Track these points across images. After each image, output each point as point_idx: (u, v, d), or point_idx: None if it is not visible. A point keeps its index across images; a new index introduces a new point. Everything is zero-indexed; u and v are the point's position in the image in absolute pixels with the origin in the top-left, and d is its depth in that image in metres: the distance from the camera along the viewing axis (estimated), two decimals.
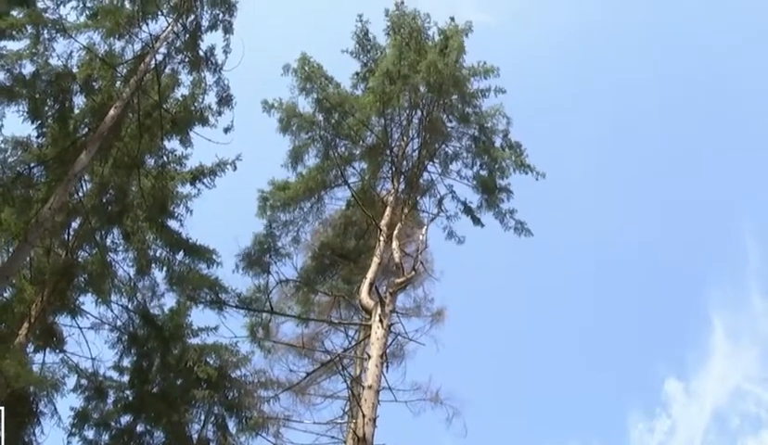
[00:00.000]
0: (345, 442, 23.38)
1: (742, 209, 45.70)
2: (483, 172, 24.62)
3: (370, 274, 19.56)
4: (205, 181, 22.69)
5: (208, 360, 23.98)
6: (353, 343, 25.31)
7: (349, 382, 24.73)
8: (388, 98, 22.48)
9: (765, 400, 40.20)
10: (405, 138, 23.79)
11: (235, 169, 22.42)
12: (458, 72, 23.46)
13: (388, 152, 23.14)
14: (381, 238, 20.46)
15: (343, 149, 23.79)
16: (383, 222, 20.94)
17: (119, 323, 23.07)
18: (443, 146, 24.60)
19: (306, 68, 23.15)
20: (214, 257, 22.34)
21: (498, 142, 24.65)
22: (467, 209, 24.81)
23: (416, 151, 23.99)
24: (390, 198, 22.24)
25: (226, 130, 21.73)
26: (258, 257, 21.67)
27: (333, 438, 24.00)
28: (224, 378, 24.30)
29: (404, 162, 23.54)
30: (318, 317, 20.75)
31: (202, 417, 24.49)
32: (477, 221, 24.85)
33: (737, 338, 42.61)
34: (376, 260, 20.06)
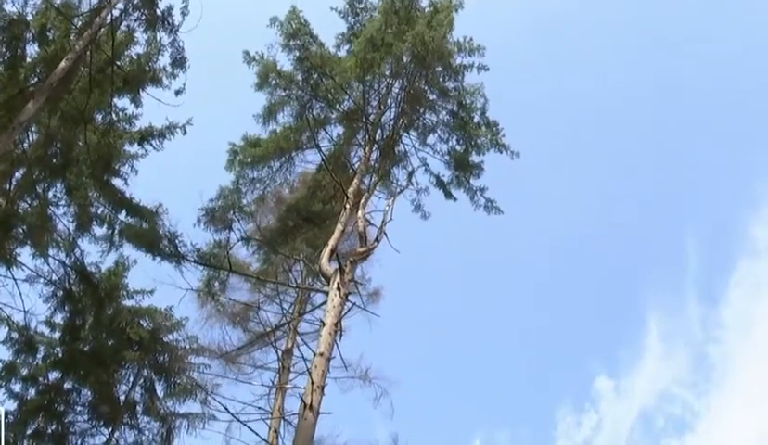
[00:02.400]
0: (271, 414, 23.57)
1: (688, 216, 45.97)
2: (458, 148, 24.48)
3: (332, 241, 19.41)
4: (153, 142, 22.40)
5: (141, 322, 23.90)
6: (288, 316, 25.41)
7: (280, 354, 24.87)
8: (369, 65, 22.19)
9: (691, 403, 41.37)
10: (383, 107, 23.55)
11: (185, 133, 22.18)
12: (444, 47, 23.21)
13: (363, 119, 22.91)
14: (348, 206, 20.31)
15: (319, 112, 23.54)
16: (351, 190, 20.78)
17: (54, 277, 22.94)
18: (421, 118, 24.39)
19: (293, 23, 22.82)
20: (157, 219, 22.13)
21: (476, 119, 24.44)
22: (440, 183, 24.73)
23: (392, 121, 23.76)
24: (361, 166, 22.07)
25: (178, 92, 21.32)
26: (221, 212, 21.50)
27: (260, 408, 24.18)
28: (155, 342, 24.33)
29: (379, 131, 23.33)
30: (275, 280, 20.44)
31: (131, 379, 24.49)
32: (449, 195, 24.80)
33: (670, 342, 43.24)
34: (340, 227, 19.92)
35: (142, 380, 25.10)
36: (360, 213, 20.08)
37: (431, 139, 24.61)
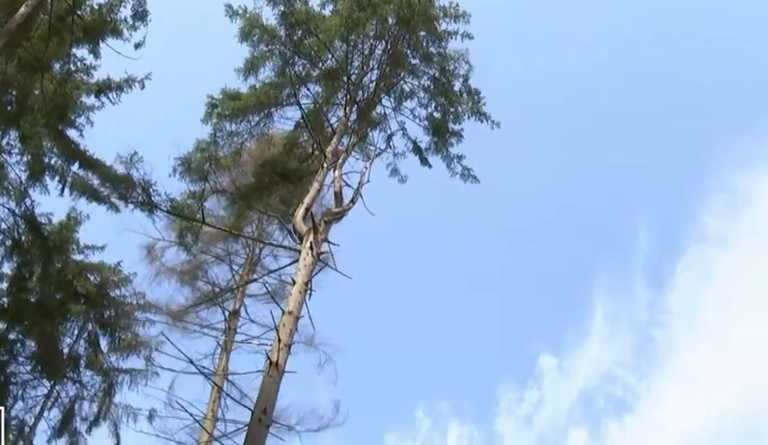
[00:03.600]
0: (215, 374, 23.43)
1: (641, 202, 46.24)
2: (437, 114, 24.22)
3: (308, 200, 19.13)
4: (111, 95, 21.97)
5: (89, 276, 23.62)
6: (237, 277, 25.21)
7: (227, 315, 24.68)
8: (354, 24, 21.78)
9: (632, 385, 41.48)
10: (365, 68, 23.17)
11: (143, 87, 21.92)
12: (430, 11, 22.85)
13: (345, 79, 22.52)
14: (325, 165, 19.99)
15: (301, 69, 23.12)
16: (329, 149, 20.45)
17: (3, 226, 22.65)
18: (402, 81, 24.07)
19: None
20: (110, 173, 21.73)
21: (457, 86, 24.14)
22: (417, 149, 24.50)
23: (374, 83, 23.41)
24: (341, 126, 21.74)
25: (137, 46, 21.06)
26: (197, 164, 21.11)
27: (204, 367, 24.06)
28: (102, 296, 24.17)
29: (360, 92, 22.98)
30: (247, 235, 20.13)
31: (76, 332, 24.27)
32: (425, 161, 24.58)
33: (615, 324, 43.62)
34: (316, 185, 19.63)
35: (86, 334, 24.98)
36: (337, 173, 19.81)
37: (411, 104, 24.36)
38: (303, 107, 22.57)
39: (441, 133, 24.12)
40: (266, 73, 23.10)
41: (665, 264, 44.71)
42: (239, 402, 20.65)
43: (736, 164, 43.89)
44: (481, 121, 23.81)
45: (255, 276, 17.76)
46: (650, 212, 43.30)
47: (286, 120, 23.58)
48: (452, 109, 24.14)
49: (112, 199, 21.72)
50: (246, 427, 15.27)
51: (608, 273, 44.41)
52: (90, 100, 22.33)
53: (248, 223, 24.59)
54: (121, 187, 18.51)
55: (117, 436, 25.09)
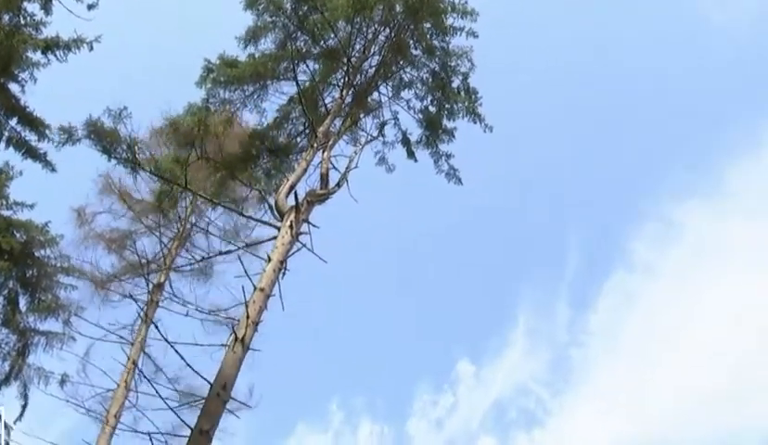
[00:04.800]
0: (132, 344, 23.00)
1: (575, 222, 46.42)
2: (432, 108, 23.73)
3: (293, 178, 18.68)
4: (58, 53, 21.34)
5: (15, 233, 23.09)
6: (165, 250, 24.77)
7: (151, 287, 24.22)
8: (361, 6, 21.21)
9: (545, 401, 41.88)
10: (366, 52, 22.64)
11: (91, 49, 21.32)
12: (438, 3, 22.34)
13: (345, 61, 22.00)
14: (315, 145, 19.50)
15: (302, 44, 22.50)
16: (321, 130, 19.95)
17: None
18: (401, 71, 23.55)
19: None
20: (47, 132, 21.13)
21: (456, 83, 23.64)
22: (405, 140, 24.03)
23: (373, 69, 22.91)
24: (335, 108, 21.20)
25: (90, 6, 20.56)
26: (187, 128, 20.48)
27: (121, 338, 23.65)
28: (26, 255, 23.63)
29: (358, 76, 22.46)
30: (226, 205, 19.55)
31: None
32: (411, 154, 24.10)
33: (536, 339, 43.90)
34: (303, 164, 19.16)
35: (6, 291, 24.36)
36: (326, 155, 19.27)
37: (407, 95, 23.84)
38: (300, 83, 21.93)
39: (434, 129, 23.65)
40: (266, 45, 22.57)
41: (590, 286, 45.25)
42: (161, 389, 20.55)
43: (670, 195, 44.20)
44: (475, 122, 23.34)
45: (232, 247, 17.12)
46: (582, 233, 43.57)
47: (281, 95, 23.03)
48: (447, 106, 23.64)
49: (47, 158, 21.25)
50: (202, 401, 14.74)
51: (535, 288, 44.55)
52: (36, 56, 21.78)
53: (182, 198, 24.19)
54: (106, 141, 17.84)
55: (26, 397, 24.52)
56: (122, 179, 25.54)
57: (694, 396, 38.21)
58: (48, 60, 21.45)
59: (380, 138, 23.26)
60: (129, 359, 23.14)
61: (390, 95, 23.67)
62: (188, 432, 13.80)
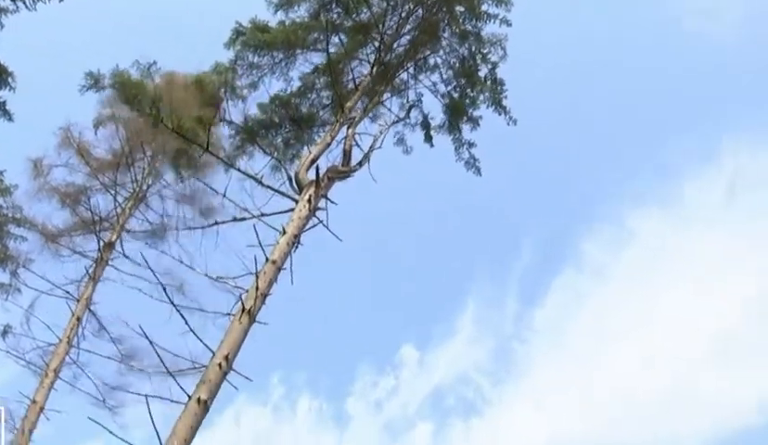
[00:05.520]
0: (78, 300, 22.56)
1: (531, 217, 46.18)
2: (455, 95, 23.12)
3: (316, 151, 18.13)
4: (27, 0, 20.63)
5: None
6: (119, 209, 24.31)
7: (101, 245, 23.75)
8: None
9: (484, 391, 41.74)
10: (399, 30, 21.99)
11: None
12: None
13: (377, 37, 21.35)
14: (340, 120, 18.92)
15: (335, 16, 21.82)
16: (348, 105, 19.37)
17: None
18: (430, 53, 22.92)
19: None
20: (10, 80, 20.49)
21: (484, 72, 23.01)
22: (426, 124, 23.40)
23: (403, 48, 22.29)
24: (364, 84, 20.57)
25: None
26: (211, 87, 19.85)
27: (67, 293, 23.30)
28: None
29: (389, 55, 21.82)
30: (242, 170, 18.90)
31: None
32: (429, 138, 23.49)
33: (482, 330, 43.52)
34: (327, 139, 18.61)
35: None
36: (350, 132, 18.75)
37: (435, 78, 23.23)
38: (330, 54, 21.23)
39: (458, 115, 23.02)
40: (299, 13, 21.88)
41: (540, 283, 44.83)
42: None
43: (628, 200, 43.85)
44: (499, 114, 22.77)
45: (247, 215, 16.54)
46: (537, 231, 43.23)
47: (309, 65, 22.35)
48: (471, 93, 23.03)
49: (6, 108, 20.60)
50: (202, 369, 14.22)
51: (486, 279, 44.28)
52: (5, 2, 21.09)
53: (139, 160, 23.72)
54: (131, 93, 17.21)
55: None
56: (82, 134, 25.27)
57: (634, 399, 38.43)
58: (17, 7, 20.67)
59: (407, 120, 22.65)
60: (73, 315, 22.81)
61: (417, 76, 23.11)
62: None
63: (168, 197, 25.79)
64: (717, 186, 43.35)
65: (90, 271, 23.61)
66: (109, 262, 24.16)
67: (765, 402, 35.44)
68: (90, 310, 23.34)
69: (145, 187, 25.84)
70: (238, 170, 18.01)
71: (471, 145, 23.12)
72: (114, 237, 24.46)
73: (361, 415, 41.94)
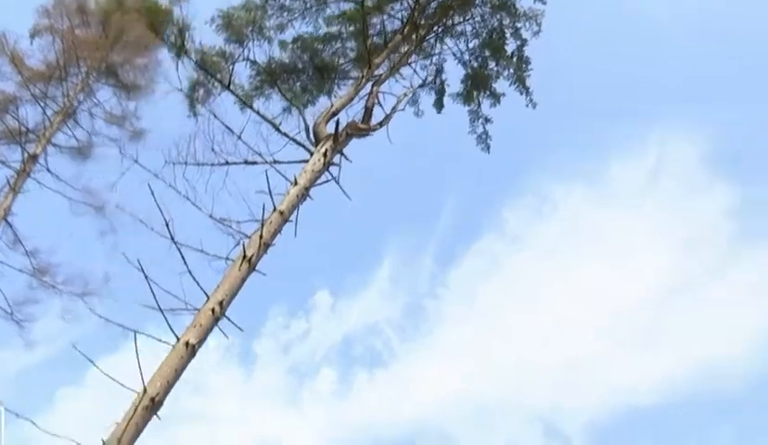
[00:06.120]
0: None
1: (457, 180, 45.82)
2: (475, 64, 22.31)
3: (338, 104, 17.39)
4: None
5: None
6: (47, 123, 23.77)
7: (26, 157, 23.11)
8: None
9: (392, 344, 41.64)
10: None
11: None
12: None
13: None
14: (365, 75, 18.14)
15: None
16: (377, 60, 18.57)
17: None
18: (462, 22, 22.07)
19: None
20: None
21: (511, 48, 22.18)
22: (440, 90, 22.65)
23: (435, 10, 21.39)
24: (396, 42, 19.72)
25: None
26: (239, 24, 18.98)
27: None
28: None
29: (422, 15, 20.97)
30: (258, 112, 18.11)
31: None
32: (440, 105, 22.75)
33: (396, 285, 43.35)
34: (351, 93, 17.87)
35: None
36: (375, 89, 17.98)
37: (460, 46, 22.38)
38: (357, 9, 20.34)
39: (482, 87, 22.24)
40: None
41: (458, 245, 44.39)
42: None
43: (553, 174, 42.69)
44: (521, 93, 22.04)
45: (259, 160, 15.81)
46: (461, 194, 42.85)
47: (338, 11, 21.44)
48: (495, 68, 22.24)
49: None
50: (185, 310, 13.60)
51: (405, 236, 44.11)
52: None
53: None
54: (156, 19, 16.40)
55: None
56: (17, 42, 24.39)
57: (535, 366, 38.36)
58: None
59: (434, 84, 21.84)
60: None
61: (443, 40, 22.25)
62: None
63: (98, 116, 25.36)
64: (640, 170, 42.76)
65: (11, 181, 22.97)
66: (31, 175, 23.52)
67: (662, 383, 35.89)
68: (6, 221, 22.81)
69: (76, 103, 25.16)
70: (257, 112, 17.27)
71: (488, 120, 22.40)
72: (39, 150, 23.72)
73: (268, 355, 41.35)
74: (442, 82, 22.63)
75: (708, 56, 42.19)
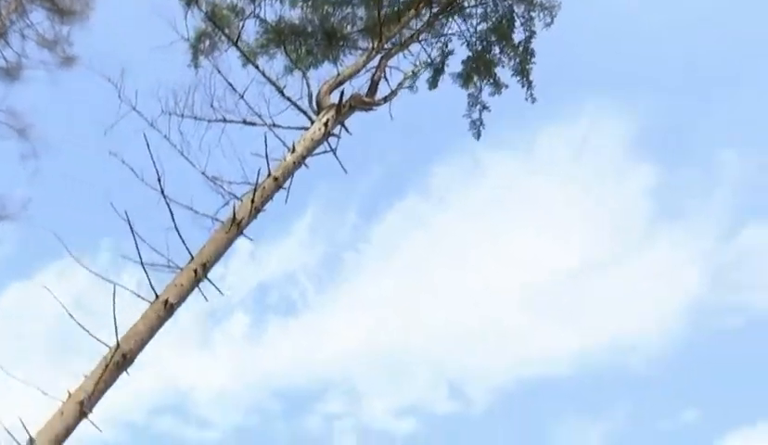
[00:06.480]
0: None
1: (385, 138, 46.11)
2: (479, 47, 21.63)
3: (345, 74, 16.87)
4: None
5: None
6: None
7: None
8: None
9: (308, 294, 41.38)
10: None
11: None
12: None
13: None
14: (375, 47, 17.57)
15: None
16: (388, 33, 17.99)
17: None
18: (476, 3, 21.43)
19: None
20: None
21: (519, 37, 21.56)
22: (438, 70, 21.69)
23: None
24: (410, 16, 19.07)
25: None
26: None
27: None
28: None
29: None
30: (262, 71, 17.51)
31: None
32: (435, 83, 21.73)
33: (317, 235, 43.23)
34: (359, 64, 17.30)
35: None
36: (383, 63, 17.47)
37: (471, 28, 21.67)
38: None
39: (485, 72, 21.61)
40: None
41: (383, 201, 44.26)
42: None
43: (484, 138, 43.85)
44: (522, 85, 21.23)
45: (258, 121, 15.21)
46: (391, 151, 42.85)
47: None
48: (498, 54, 21.62)
49: None
50: (168, 268, 13.12)
51: (331, 189, 43.91)
52: None
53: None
54: None
55: None
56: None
57: (448, 327, 38.45)
58: None
59: (439, 64, 21.22)
60: None
61: (452, 17, 21.52)
62: None
63: (30, 38, 24.17)
64: (569, 146, 41.63)
65: None
66: None
67: (572, 356, 36.38)
68: None
69: (8, 23, 23.98)
70: (262, 72, 16.66)
71: (485, 107, 21.62)
72: None
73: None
74: (443, 62, 21.97)
75: (644, 46, 41.81)
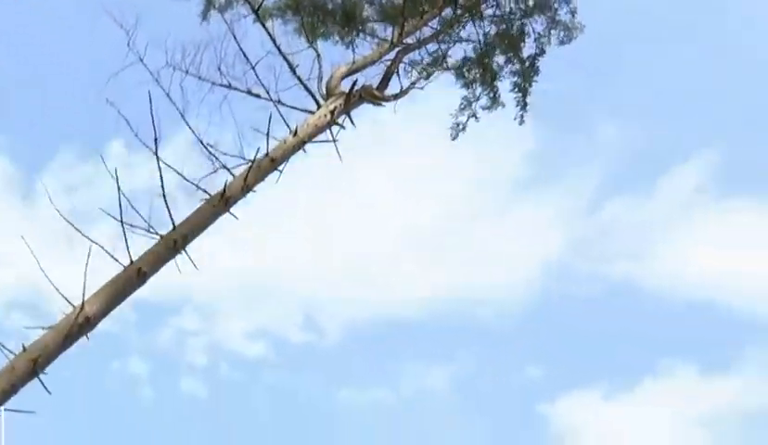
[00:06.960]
0: None
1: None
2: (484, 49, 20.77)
3: (360, 63, 16.27)
4: None
5: None
6: None
7: None
8: None
9: (180, 207, 41.53)
10: None
11: None
12: None
13: None
14: (395, 40, 16.88)
15: None
16: (407, 29, 17.30)
17: None
18: (494, 11, 20.70)
19: None
20: None
21: (529, 51, 20.82)
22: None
23: None
24: (433, 13, 18.40)
25: None
26: None
27: None
28: None
29: None
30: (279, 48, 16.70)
31: None
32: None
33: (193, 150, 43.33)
34: (374, 54, 16.72)
35: None
36: (399, 57, 16.89)
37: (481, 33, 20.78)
38: None
39: (487, 81, 20.84)
40: None
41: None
42: None
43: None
44: (517, 104, 20.48)
45: (264, 96, 14.45)
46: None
47: None
48: (503, 63, 20.88)
49: None
50: (147, 234, 12.37)
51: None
52: None
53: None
54: None
55: None
56: None
57: (314, 259, 37.61)
58: None
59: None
60: None
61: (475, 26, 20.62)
62: None
63: None
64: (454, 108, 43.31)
65: None
66: None
67: (428, 301, 36.11)
68: None
69: None
70: (278, 49, 15.85)
71: (474, 116, 20.67)
72: None
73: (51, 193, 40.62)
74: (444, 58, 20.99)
75: None
